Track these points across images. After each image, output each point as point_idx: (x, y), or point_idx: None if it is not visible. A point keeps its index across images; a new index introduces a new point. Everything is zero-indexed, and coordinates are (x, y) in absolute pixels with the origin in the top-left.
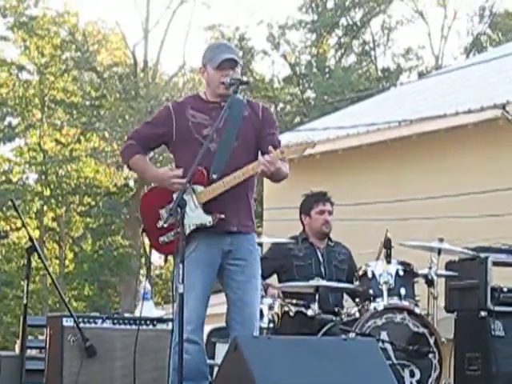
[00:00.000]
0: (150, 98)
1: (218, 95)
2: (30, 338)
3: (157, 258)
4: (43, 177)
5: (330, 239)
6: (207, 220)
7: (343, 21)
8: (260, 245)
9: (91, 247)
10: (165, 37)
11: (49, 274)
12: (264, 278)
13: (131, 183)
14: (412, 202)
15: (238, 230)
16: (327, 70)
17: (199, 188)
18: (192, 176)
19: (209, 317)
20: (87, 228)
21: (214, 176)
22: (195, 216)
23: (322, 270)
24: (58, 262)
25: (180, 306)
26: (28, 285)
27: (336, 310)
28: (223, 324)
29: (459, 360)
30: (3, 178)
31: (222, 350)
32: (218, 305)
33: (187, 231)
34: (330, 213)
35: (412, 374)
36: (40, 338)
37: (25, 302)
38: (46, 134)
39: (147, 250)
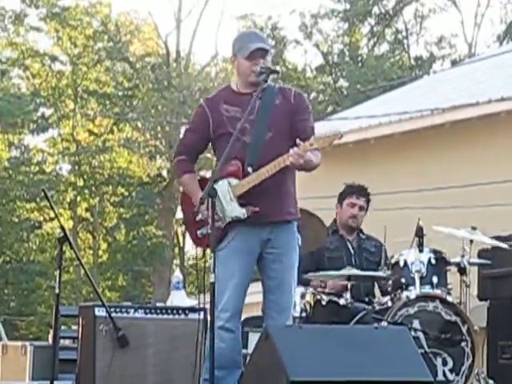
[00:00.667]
0: (182, 88)
1: (250, 84)
2: (63, 328)
3: (190, 247)
4: (76, 167)
5: (361, 232)
6: (241, 213)
7: (376, 9)
8: None
9: (125, 237)
10: (197, 26)
11: (81, 263)
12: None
13: (164, 173)
14: (445, 191)
15: (279, 220)
16: (360, 58)
17: (234, 181)
18: (224, 169)
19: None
20: (120, 218)
21: (249, 169)
22: (231, 209)
23: (353, 261)
24: (91, 252)
25: (212, 295)
26: (60, 275)
27: (367, 299)
28: (257, 313)
29: (492, 348)
30: (37, 168)
31: (254, 339)
32: (251, 294)
33: (223, 224)
34: (362, 208)
35: (444, 363)
36: (73, 327)
37: (57, 291)
38: (79, 125)
39: (180, 239)
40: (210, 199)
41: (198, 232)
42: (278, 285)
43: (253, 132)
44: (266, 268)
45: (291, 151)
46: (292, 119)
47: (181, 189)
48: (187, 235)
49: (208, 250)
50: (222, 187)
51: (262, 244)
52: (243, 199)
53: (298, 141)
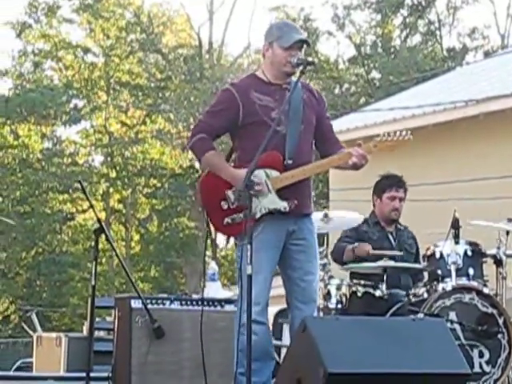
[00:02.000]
0: (215, 79)
1: (284, 74)
2: (97, 319)
3: (222, 239)
4: (109, 159)
5: (398, 222)
6: (282, 206)
7: (408, 0)
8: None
9: (157, 229)
10: (230, 18)
11: (116, 255)
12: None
13: (197, 165)
14: (480, 182)
15: (306, 212)
16: (392, 50)
17: (274, 172)
18: (263, 158)
19: (275, 298)
20: (153, 210)
21: (290, 162)
22: (268, 200)
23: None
24: (124, 243)
25: (249, 288)
26: (96, 266)
27: (405, 291)
28: None
29: None
30: (69, 160)
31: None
32: (281, 286)
33: (258, 214)
34: (402, 199)
35: (481, 355)
36: (108, 319)
37: (93, 283)
38: (112, 116)
39: (213, 231)
40: (247, 191)
41: (226, 220)
42: (303, 275)
43: (288, 124)
44: (291, 259)
45: (354, 151)
46: (318, 115)
47: (201, 171)
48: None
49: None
50: (259, 177)
51: (287, 235)
52: (282, 191)
53: (360, 141)
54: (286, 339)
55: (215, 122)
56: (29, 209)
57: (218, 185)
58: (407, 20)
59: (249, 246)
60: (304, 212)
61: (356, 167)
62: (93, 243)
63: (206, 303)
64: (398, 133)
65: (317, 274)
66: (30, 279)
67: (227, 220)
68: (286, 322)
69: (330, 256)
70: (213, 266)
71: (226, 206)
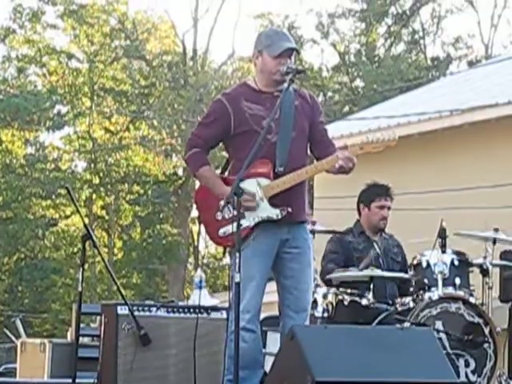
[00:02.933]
0: (199, 86)
1: (274, 82)
2: (81, 325)
3: (204, 246)
4: (92, 165)
5: (383, 231)
6: (274, 213)
7: (393, 9)
8: (312, 232)
9: (140, 235)
10: (214, 25)
11: (103, 261)
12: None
13: (180, 172)
14: (464, 192)
15: (300, 220)
16: (376, 58)
17: (264, 181)
18: (254, 168)
19: (263, 305)
20: (136, 216)
21: (281, 169)
22: (261, 209)
23: (381, 261)
24: (106, 250)
25: (236, 295)
26: (83, 272)
27: (391, 300)
28: (275, 313)
29: None
30: (52, 166)
31: (273, 338)
32: (270, 293)
33: (252, 223)
34: (389, 208)
35: (467, 364)
36: (92, 325)
37: (80, 289)
38: (96, 122)
39: (195, 238)
40: (235, 199)
41: (221, 231)
42: (296, 284)
43: (279, 131)
44: (284, 267)
45: (340, 155)
46: (311, 121)
47: (196, 186)
48: (203, 233)
49: (227, 249)
50: (250, 187)
51: (280, 244)
52: (273, 199)
53: (345, 143)
54: (270, 347)
55: (207, 134)
56: (11, 214)
57: (212, 197)
58: (391, 29)
59: (237, 254)
60: (297, 220)
61: (343, 170)
62: (75, 249)
63: (192, 310)
64: (383, 134)
65: (311, 283)
66: (11, 285)
67: (223, 230)
68: (271, 329)
69: (318, 277)
70: (199, 274)
71: (220, 217)
